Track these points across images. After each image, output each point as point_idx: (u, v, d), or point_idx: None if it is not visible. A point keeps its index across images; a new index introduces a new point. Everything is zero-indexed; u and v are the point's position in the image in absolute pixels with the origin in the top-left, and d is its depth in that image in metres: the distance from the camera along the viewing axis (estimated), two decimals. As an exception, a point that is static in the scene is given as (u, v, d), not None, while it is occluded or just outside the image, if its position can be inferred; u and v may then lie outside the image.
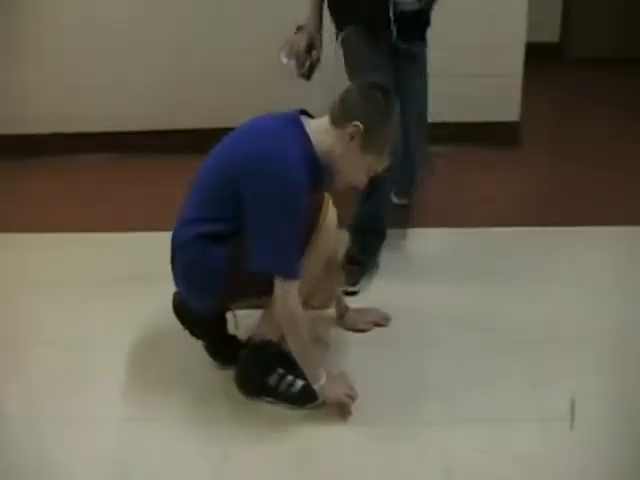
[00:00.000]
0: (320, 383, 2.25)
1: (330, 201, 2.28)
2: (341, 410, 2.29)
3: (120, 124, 3.94)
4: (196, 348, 2.49)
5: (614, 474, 2.08)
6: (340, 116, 2.18)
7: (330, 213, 2.27)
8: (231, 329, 2.49)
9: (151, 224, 3.24)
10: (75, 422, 2.32)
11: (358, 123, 2.13)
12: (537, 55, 3.77)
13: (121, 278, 2.98)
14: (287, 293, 2.14)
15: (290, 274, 2.13)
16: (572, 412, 2.24)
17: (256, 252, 2.11)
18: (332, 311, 2.65)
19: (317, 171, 2.20)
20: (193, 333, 2.46)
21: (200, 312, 2.35)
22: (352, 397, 2.28)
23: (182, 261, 2.27)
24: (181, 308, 2.42)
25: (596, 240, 3.06)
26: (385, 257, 2.78)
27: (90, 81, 3.88)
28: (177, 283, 2.34)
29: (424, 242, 3.13)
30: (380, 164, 2.25)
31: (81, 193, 3.67)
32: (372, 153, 2.19)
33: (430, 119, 2.91)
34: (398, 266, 2.96)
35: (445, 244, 3.11)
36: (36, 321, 2.78)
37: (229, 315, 2.47)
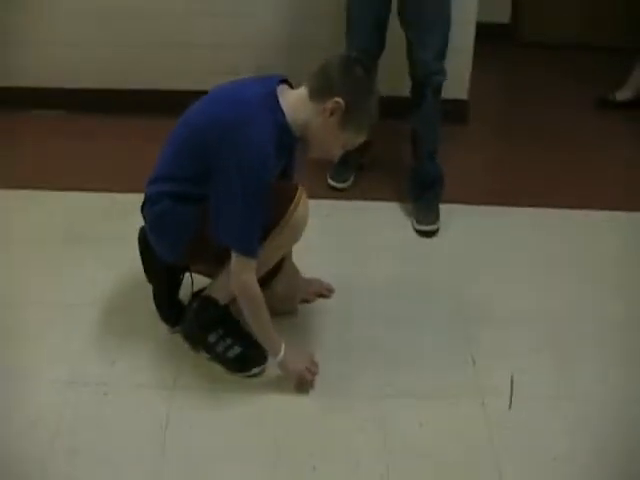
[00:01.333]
0: (280, 356, 2.24)
1: (304, 195, 2.22)
2: (300, 384, 2.29)
3: (74, 80, 3.80)
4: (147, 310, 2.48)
5: (552, 452, 2.12)
6: (320, 90, 2.11)
7: (301, 208, 2.21)
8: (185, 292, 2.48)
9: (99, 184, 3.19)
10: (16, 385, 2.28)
11: (339, 99, 2.07)
12: (488, 36, 3.76)
13: (68, 238, 2.91)
14: (243, 270, 2.12)
15: (247, 252, 2.11)
16: (511, 390, 2.26)
17: (216, 223, 2.10)
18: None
19: (288, 145, 2.17)
20: (147, 272, 2.46)
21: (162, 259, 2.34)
22: (313, 372, 2.29)
23: (151, 214, 2.25)
24: (144, 244, 2.40)
25: (540, 221, 3.10)
26: (329, 230, 2.72)
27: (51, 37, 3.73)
28: (148, 234, 2.33)
29: (367, 217, 3.12)
30: (357, 139, 2.20)
31: (32, 149, 3.55)
32: (351, 129, 2.14)
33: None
34: (341, 240, 2.95)
35: (388, 219, 3.10)
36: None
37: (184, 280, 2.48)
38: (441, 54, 2.90)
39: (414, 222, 3.04)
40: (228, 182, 2.04)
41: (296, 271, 2.53)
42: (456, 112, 3.73)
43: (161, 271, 2.43)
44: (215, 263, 2.28)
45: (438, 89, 2.95)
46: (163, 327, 2.47)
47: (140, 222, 2.38)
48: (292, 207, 2.18)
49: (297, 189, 2.22)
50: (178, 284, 2.49)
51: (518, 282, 2.76)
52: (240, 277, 2.13)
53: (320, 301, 2.63)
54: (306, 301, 2.62)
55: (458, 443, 2.14)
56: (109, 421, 2.18)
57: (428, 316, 2.59)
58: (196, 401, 2.25)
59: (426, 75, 2.86)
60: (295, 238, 2.29)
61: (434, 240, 2.98)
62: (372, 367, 2.37)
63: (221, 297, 2.32)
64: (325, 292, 2.66)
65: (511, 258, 2.89)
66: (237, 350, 2.32)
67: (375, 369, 2.36)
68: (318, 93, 2.11)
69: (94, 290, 2.63)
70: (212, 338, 2.33)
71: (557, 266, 2.85)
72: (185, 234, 2.20)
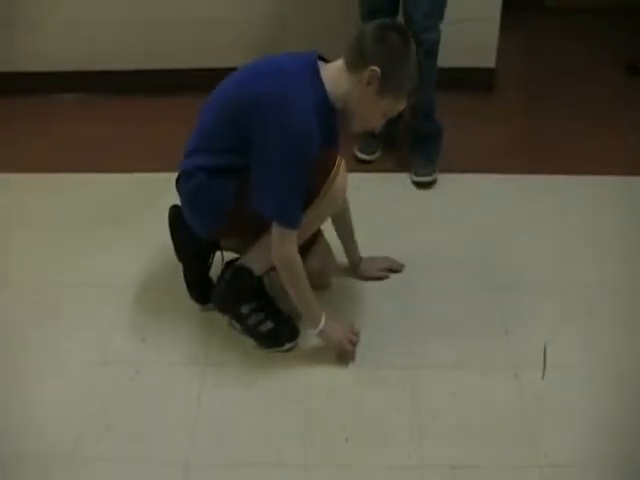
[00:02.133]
0: (320, 326, 2.24)
1: (343, 165, 2.22)
2: (341, 355, 2.29)
3: (89, 63, 3.80)
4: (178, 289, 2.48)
5: (585, 421, 2.10)
6: (356, 60, 2.09)
7: (340, 179, 2.21)
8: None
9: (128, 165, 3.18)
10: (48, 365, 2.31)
11: (375, 67, 2.05)
12: (515, 2, 3.69)
13: (100, 219, 2.92)
14: (284, 241, 2.12)
15: (288, 223, 2.10)
16: (544, 361, 2.24)
17: (258, 194, 2.09)
18: (346, 261, 2.63)
19: (330, 119, 2.15)
20: (178, 250, 2.47)
21: (194, 235, 2.33)
22: (354, 342, 2.29)
23: (186, 189, 2.25)
24: (175, 223, 2.41)
25: (568, 188, 3.05)
26: (359, 203, 2.70)
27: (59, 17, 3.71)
28: (182, 208, 2.33)
29: (396, 188, 3.10)
30: (398, 106, 2.18)
31: (49, 133, 3.55)
32: (390, 96, 2.12)
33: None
34: (371, 212, 2.86)
35: (417, 192, 3.08)
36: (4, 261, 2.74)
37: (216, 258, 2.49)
38: (432, 13, 2.86)
39: (412, 174, 3.08)
40: (271, 153, 2.03)
41: (329, 246, 2.51)
42: (483, 80, 3.69)
43: (192, 249, 2.44)
44: (249, 238, 2.29)
45: (430, 49, 2.89)
46: (194, 305, 2.47)
47: (170, 201, 2.39)
48: (331, 177, 2.18)
49: (336, 159, 2.21)
50: (209, 263, 2.49)
51: (549, 251, 2.72)
52: (281, 249, 2.13)
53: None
54: (377, 278, 2.60)
55: (491, 413, 2.13)
56: (141, 399, 2.20)
57: (460, 286, 2.57)
58: (228, 377, 2.26)
59: (417, 34, 2.71)
60: (334, 208, 2.31)
61: (463, 209, 2.94)
62: (404, 338, 2.36)
63: (256, 268, 2.32)
64: (397, 267, 2.65)
65: (541, 227, 2.84)
66: (269, 325, 2.32)
67: (407, 339, 2.36)
68: (354, 64, 2.09)
69: (125, 270, 2.64)
70: (245, 309, 2.33)
71: (587, 235, 2.81)
72: (221, 208, 2.19)
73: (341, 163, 2.22)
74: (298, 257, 2.16)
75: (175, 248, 2.47)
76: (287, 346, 2.33)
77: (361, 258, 2.62)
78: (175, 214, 2.41)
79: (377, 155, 3.27)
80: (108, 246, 2.76)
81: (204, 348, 2.34)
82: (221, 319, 2.39)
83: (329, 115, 2.13)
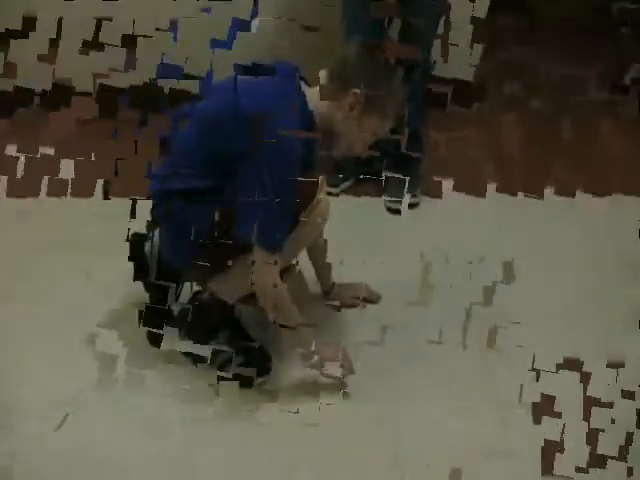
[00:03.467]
0: (310, 352, 2.14)
1: (324, 188, 2.15)
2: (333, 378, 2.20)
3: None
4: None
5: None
6: (336, 85, 2.02)
7: (323, 202, 2.14)
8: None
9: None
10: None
11: (357, 91, 1.98)
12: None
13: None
14: (267, 268, 2.01)
15: (273, 247, 2.00)
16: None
17: (242, 218, 1.97)
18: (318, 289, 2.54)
19: (312, 140, 2.05)
20: (137, 272, 2.25)
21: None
22: (347, 369, 2.19)
23: (165, 214, 2.11)
24: (137, 245, 2.23)
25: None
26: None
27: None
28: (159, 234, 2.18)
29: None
30: (384, 127, 2.09)
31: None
32: (375, 117, 2.05)
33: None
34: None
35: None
36: None
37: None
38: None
39: (385, 198, 2.98)
40: (254, 175, 1.93)
41: (302, 274, 2.41)
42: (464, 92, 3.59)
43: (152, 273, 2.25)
44: (220, 268, 2.15)
45: (427, 69, 2.77)
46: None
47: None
48: (314, 202, 2.10)
49: (317, 183, 2.12)
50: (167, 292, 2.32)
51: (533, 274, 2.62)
52: (265, 277, 2.02)
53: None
54: (349, 306, 2.51)
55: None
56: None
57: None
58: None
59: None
60: (316, 232, 2.23)
61: (449, 234, 2.84)
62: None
63: (229, 296, 2.20)
64: (371, 297, 2.54)
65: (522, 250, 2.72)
66: (239, 361, 2.18)
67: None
68: (336, 88, 2.02)
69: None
70: (213, 344, 2.20)
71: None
72: (200, 234, 2.04)
73: (323, 185, 2.14)
74: (282, 287, 2.06)
75: (134, 268, 2.25)
76: (259, 380, 2.20)
77: (334, 284, 2.51)
78: (137, 239, 2.23)
79: (345, 186, 3.11)
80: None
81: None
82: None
83: (311, 130, 2.02)
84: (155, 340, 2.21)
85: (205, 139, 2.03)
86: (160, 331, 2.16)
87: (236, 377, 2.18)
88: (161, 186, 2.11)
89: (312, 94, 2.04)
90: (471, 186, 2.97)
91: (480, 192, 2.93)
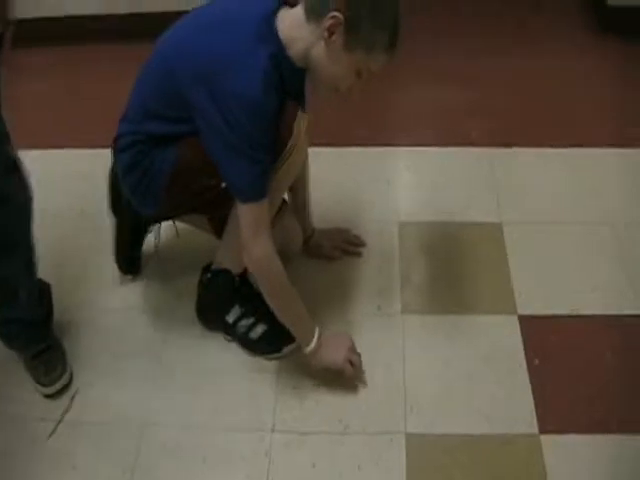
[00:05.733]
0: (311, 347, 1.90)
1: (301, 136, 1.88)
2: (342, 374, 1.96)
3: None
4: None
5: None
6: (314, 7, 1.68)
7: (302, 142, 1.89)
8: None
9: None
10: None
11: (337, 13, 1.63)
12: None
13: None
14: (256, 230, 1.75)
15: (253, 195, 1.73)
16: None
17: (219, 168, 1.75)
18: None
19: (292, 79, 1.77)
20: (113, 208, 2.13)
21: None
22: (355, 363, 1.94)
23: (123, 162, 1.89)
24: (116, 183, 2.03)
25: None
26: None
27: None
28: (121, 186, 1.97)
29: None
30: (372, 62, 1.74)
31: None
32: (359, 49, 1.69)
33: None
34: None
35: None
36: None
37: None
38: None
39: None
40: (217, 136, 1.69)
41: (292, 215, 2.17)
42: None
43: (130, 214, 2.08)
44: (201, 208, 1.99)
45: None
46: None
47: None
48: (288, 148, 1.84)
49: (295, 116, 1.85)
50: (147, 231, 2.22)
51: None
52: (255, 248, 1.76)
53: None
54: (329, 257, 2.29)
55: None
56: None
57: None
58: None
59: None
60: (295, 172, 1.97)
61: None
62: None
63: (233, 266, 2.01)
64: (352, 244, 2.33)
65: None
66: (259, 330, 2.02)
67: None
68: (313, 11, 1.68)
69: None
70: (231, 318, 2.04)
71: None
72: (163, 181, 1.84)
73: (303, 121, 1.89)
74: (276, 258, 1.80)
75: (111, 206, 2.13)
76: (285, 350, 2.02)
77: (314, 230, 2.29)
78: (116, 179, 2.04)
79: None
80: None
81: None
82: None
83: (291, 76, 1.75)
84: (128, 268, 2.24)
85: (162, 83, 1.80)
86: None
87: (259, 347, 2.04)
88: (123, 125, 1.90)
89: (288, 24, 1.73)
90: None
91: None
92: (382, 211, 2.45)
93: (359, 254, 2.32)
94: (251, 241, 1.76)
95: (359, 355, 1.96)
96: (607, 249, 2.33)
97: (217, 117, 1.66)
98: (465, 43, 3.24)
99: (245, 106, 1.64)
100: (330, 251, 2.29)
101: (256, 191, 1.73)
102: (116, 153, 1.92)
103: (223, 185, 1.85)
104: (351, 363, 1.92)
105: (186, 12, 1.84)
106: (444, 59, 3.13)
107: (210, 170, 1.75)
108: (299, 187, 2.16)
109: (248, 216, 1.75)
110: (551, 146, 2.70)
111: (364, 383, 1.97)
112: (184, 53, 1.74)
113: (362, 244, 2.34)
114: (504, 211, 2.45)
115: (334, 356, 1.92)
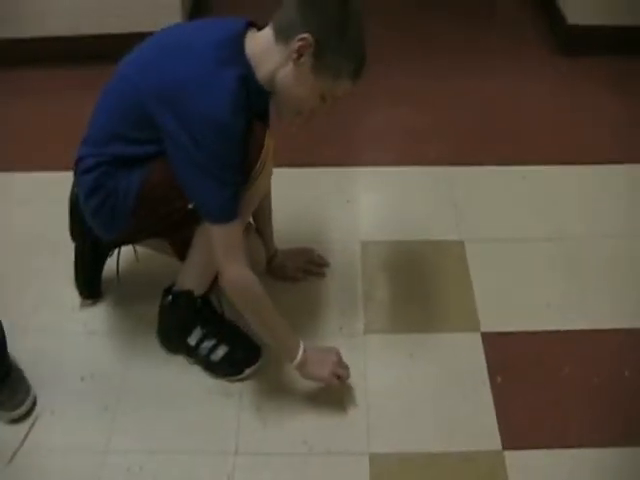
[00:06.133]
0: (297, 360, 1.88)
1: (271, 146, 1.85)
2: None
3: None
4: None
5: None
6: (284, 28, 1.69)
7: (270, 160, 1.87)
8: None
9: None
10: None
11: (306, 35, 1.65)
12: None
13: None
14: (228, 251, 1.75)
15: (227, 216, 1.72)
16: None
17: (187, 192, 1.75)
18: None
19: (258, 104, 1.80)
20: (72, 233, 2.09)
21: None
22: (342, 376, 1.94)
23: (86, 184, 1.85)
24: (76, 207, 1.98)
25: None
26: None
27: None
28: (82, 207, 1.93)
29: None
30: (338, 89, 1.76)
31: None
32: (327, 74, 1.71)
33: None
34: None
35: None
36: None
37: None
38: None
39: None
40: (186, 158, 1.68)
41: (257, 236, 2.17)
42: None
43: (90, 238, 2.06)
44: (169, 229, 1.96)
45: None
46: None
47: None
48: (261, 158, 1.80)
49: (264, 136, 1.82)
50: (108, 254, 2.19)
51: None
52: (231, 268, 1.76)
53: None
54: (292, 279, 2.29)
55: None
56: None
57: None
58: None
59: None
60: (264, 191, 1.95)
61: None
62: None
63: (195, 287, 1.99)
64: (316, 266, 2.32)
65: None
66: (221, 352, 2.01)
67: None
68: (283, 32, 1.69)
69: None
70: (192, 340, 2.02)
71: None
72: (128, 206, 1.81)
73: (270, 140, 1.84)
74: (252, 277, 1.79)
75: (71, 230, 2.09)
76: (247, 372, 2.01)
77: (276, 250, 2.28)
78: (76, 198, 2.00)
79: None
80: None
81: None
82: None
83: (255, 97, 1.75)
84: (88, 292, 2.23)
85: (127, 109, 1.78)
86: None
87: (221, 369, 2.03)
88: (84, 148, 1.87)
89: (256, 46, 1.73)
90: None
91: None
92: (344, 230, 2.46)
93: (323, 275, 2.32)
94: (225, 262, 1.76)
95: (347, 368, 1.95)
96: (561, 264, 2.36)
97: (185, 139, 1.66)
98: (421, 65, 3.28)
99: (213, 128, 1.64)
100: (293, 272, 2.28)
101: (227, 212, 1.72)
102: (78, 175, 1.89)
103: (190, 206, 1.82)
104: (339, 377, 1.92)
105: (151, 33, 1.85)
106: (402, 81, 3.16)
107: (177, 192, 1.75)
108: (262, 207, 2.14)
109: (220, 238, 1.74)
110: (508, 164, 2.74)
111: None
112: (149, 76, 1.74)
113: (326, 264, 2.34)
114: (465, 229, 2.47)
115: (320, 371, 1.91)
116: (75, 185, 1.94)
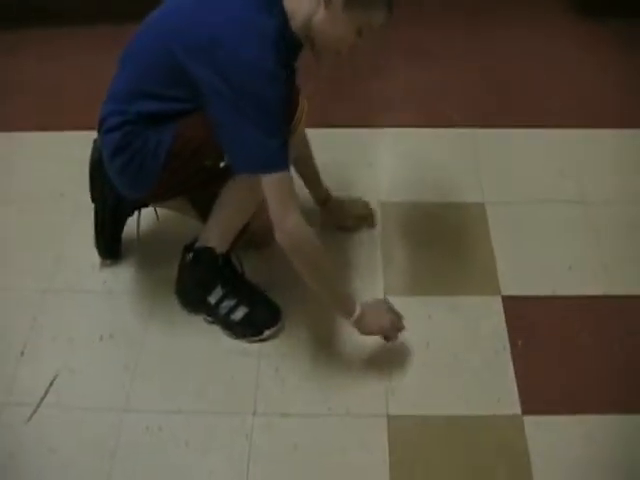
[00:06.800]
0: (356, 315, 1.86)
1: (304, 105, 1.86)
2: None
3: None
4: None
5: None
6: None
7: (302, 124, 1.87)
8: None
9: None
10: None
11: None
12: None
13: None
14: (282, 200, 1.71)
15: (277, 164, 1.69)
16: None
17: (228, 149, 1.73)
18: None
19: (291, 54, 1.79)
20: (93, 194, 2.08)
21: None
22: (399, 329, 1.93)
23: (111, 143, 1.82)
24: (98, 168, 1.98)
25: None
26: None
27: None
28: (106, 166, 1.91)
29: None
30: (373, 19, 1.74)
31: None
32: (358, 7, 1.70)
33: None
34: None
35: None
36: None
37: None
38: None
39: None
40: (229, 109, 1.65)
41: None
42: None
43: (111, 199, 2.07)
44: (195, 188, 1.94)
45: None
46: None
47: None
48: (296, 119, 1.82)
49: (297, 103, 1.85)
50: (128, 215, 2.18)
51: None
52: (286, 219, 1.71)
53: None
54: (345, 229, 2.29)
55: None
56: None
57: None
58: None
59: None
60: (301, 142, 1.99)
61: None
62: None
63: (217, 244, 1.98)
64: (366, 219, 2.33)
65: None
66: (241, 313, 2.01)
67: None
68: None
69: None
70: (213, 299, 2.02)
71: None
72: (157, 166, 1.80)
73: (304, 104, 1.87)
74: (310, 229, 1.75)
75: (91, 191, 2.08)
76: (266, 333, 2.01)
77: (330, 197, 2.28)
78: (98, 157, 1.97)
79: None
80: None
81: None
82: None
83: (292, 50, 1.76)
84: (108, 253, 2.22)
85: (160, 59, 1.74)
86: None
87: (240, 329, 2.03)
88: (109, 105, 1.84)
89: (288, 1, 1.73)
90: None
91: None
92: (364, 191, 2.42)
93: (373, 225, 2.33)
94: (281, 214, 1.71)
95: (401, 317, 1.94)
96: (583, 228, 2.33)
97: (227, 89, 1.63)
98: (444, 25, 3.21)
99: (259, 75, 1.62)
100: (347, 221, 2.31)
101: (278, 161, 1.69)
102: (102, 134, 1.86)
103: (222, 165, 1.80)
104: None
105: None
106: (421, 42, 3.10)
107: (210, 148, 1.74)
108: (307, 158, 2.16)
109: (274, 189, 1.70)
110: (530, 127, 2.69)
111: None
112: (181, 27, 1.71)
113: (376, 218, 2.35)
114: (486, 191, 2.44)
115: (379, 321, 1.90)
116: (99, 144, 1.91)
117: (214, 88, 1.65)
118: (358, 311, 1.85)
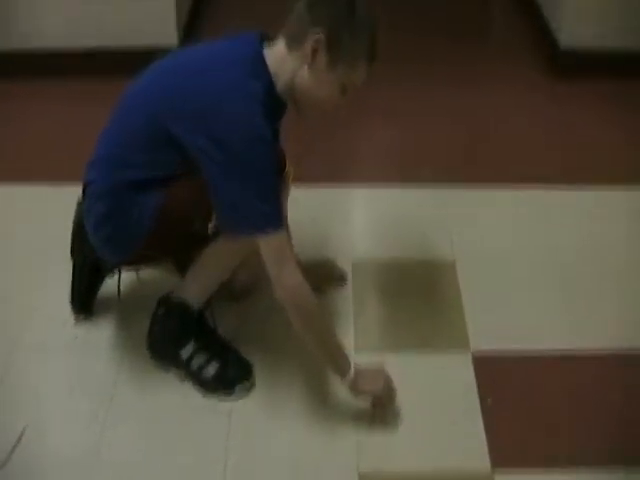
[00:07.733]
0: (349, 376, 1.86)
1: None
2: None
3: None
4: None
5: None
6: (294, 35, 1.75)
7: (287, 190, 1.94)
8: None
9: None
10: None
11: (318, 32, 1.70)
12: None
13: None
14: (280, 261, 1.74)
15: (274, 225, 1.72)
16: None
17: (224, 213, 1.76)
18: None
19: (277, 113, 1.84)
20: (73, 250, 2.10)
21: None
22: (391, 396, 1.95)
23: (98, 212, 1.85)
24: (80, 230, 1.99)
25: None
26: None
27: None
28: (89, 233, 1.93)
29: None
30: (356, 75, 1.79)
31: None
32: (344, 64, 1.74)
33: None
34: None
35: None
36: None
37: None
38: None
39: None
40: (223, 172, 1.68)
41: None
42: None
43: (91, 258, 2.05)
44: (177, 252, 1.98)
45: None
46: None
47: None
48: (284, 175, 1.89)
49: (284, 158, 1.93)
50: (104, 278, 2.19)
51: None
52: (284, 278, 1.75)
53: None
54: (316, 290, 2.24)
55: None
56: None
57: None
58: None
59: None
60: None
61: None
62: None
63: (195, 298, 1.99)
64: (338, 280, 2.34)
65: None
66: (215, 367, 2.00)
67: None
68: (295, 39, 1.74)
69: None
70: (185, 353, 2.01)
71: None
72: (141, 232, 1.82)
73: (290, 170, 1.95)
74: (307, 286, 1.78)
75: (72, 249, 2.11)
76: (237, 391, 2.00)
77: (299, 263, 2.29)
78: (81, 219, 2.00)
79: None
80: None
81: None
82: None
83: (277, 110, 1.81)
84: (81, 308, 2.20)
85: (148, 126, 1.79)
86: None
87: (212, 386, 2.01)
88: (93, 172, 1.87)
89: (273, 57, 1.78)
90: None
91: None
92: (335, 249, 2.45)
93: (343, 284, 2.34)
94: (279, 273, 1.75)
95: (392, 383, 1.94)
96: (554, 285, 2.37)
97: (220, 154, 1.67)
98: (415, 85, 3.31)
99: (250, 136, 1.67)
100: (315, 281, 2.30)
101: (274, 221, 1.72)
102: (87, 200, 1.89)
103: (210, 228, 1.84)
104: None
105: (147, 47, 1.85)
106: (394, 100, 3.18)
107: (197, 213, 1.78)
108: None
109: (271, 249, 1.74)
110: (501, 184, 2.75)
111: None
112: (169, 99, 1.76)
113: (346, 277, 2.36)
114: (457, 247, 2.48)
115: (373, 386, 1.91)
116: (83, 208, 1.93)
117: (206, 154, 1.69)
118: (352, 373, 1.86)
